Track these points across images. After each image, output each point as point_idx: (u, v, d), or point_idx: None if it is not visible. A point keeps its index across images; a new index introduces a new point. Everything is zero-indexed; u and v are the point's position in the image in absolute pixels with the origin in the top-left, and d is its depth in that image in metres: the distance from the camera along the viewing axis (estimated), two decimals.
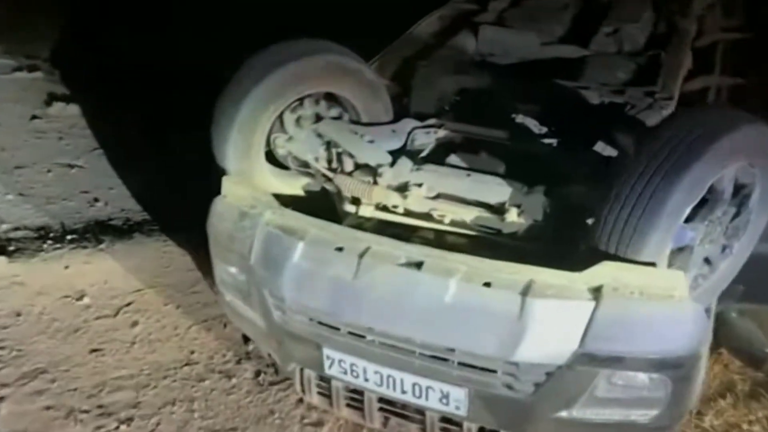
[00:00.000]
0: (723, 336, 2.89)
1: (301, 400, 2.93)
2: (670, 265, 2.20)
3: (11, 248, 3.75)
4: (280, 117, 2.82)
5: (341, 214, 2.76)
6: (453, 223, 2.58)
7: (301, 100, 2.85)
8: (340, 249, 2.34)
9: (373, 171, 2.72)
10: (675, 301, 2.06)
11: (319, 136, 2.88)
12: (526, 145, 2.86)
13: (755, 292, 2.70)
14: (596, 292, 2.09)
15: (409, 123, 3.00)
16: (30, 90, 5.43)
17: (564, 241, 2.46)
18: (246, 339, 3.21)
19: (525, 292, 2.11)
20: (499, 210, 2.53)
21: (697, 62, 3.49)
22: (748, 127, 2.21)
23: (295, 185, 2.94)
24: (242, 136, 2.71)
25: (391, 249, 2.31)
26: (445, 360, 2.23)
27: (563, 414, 2.21)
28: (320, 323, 2.39)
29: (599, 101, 3.07)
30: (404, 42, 3.71)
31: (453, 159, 2.82)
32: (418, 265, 2.24)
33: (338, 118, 3.00)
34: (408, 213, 2.64)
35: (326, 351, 2.42)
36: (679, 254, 2.24)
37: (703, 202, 2.18)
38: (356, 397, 2.54)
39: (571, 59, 3.49)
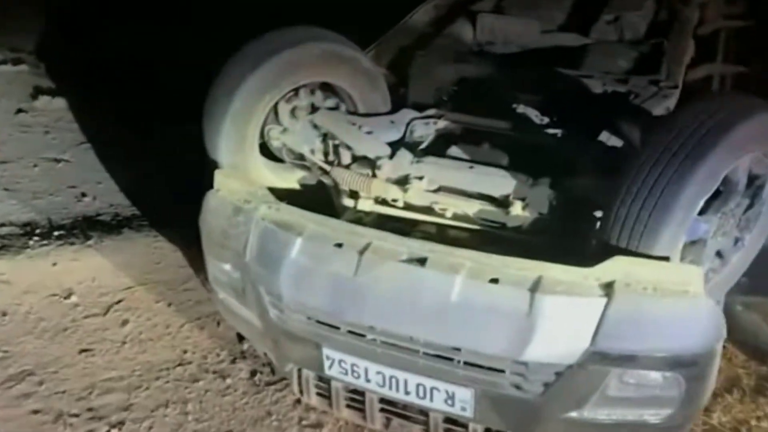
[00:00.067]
0: (728, 329, 2.86)
1: (298, 401, 2.86)
2: (682, 259, 2.15)
3: None
4: (275, 108, 2.76)
5: (339, 208, 2.71)
6: (455, 217, 2.53)
7: (296, 90, 2.80)
8: (339, 245, 2.27)
9: (371, 163, 2.66)
10: (689, 297, 2.00)
11: (315, 127, 2.83)
12: (528, 136, 2.81)
13: (761, 284, 2.65)
14: (608, 288, 2.02)
15: (407, 113, 2.95)
16: (15, 83, 5.36)
17: (571, 234, 2.42)
18: (240, 338, 3.14)
19: (534, 288, 2.05)
20: (503, 203, 2.48)
21: (699, 50, 3.45)
22: (763, 115, 2.15)
23: (290, 179, 2.89)
24: (235, 127, 2.66)
25: (393, 245, 2.24)
26: (450, 360, 2.17)
27: (573, 414, 2.15)
28: (319, 322, 2.32)
29: (602, 90, 3.03)
30: (400, 31, 3.66)
31: (454, 150, 2.77)
32: (422, 261, 2.17)
33: (335, 108, 2.95)
34: (408, 207, 2.59)
35: (326, 351, 2.36)
36: (691, 248, 2.19)
37: (716, 194, 2.13)
38: (357, 398, 2.49)
39: (572, 48, 3.45)
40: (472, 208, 2.50)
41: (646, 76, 3.08)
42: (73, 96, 5.15)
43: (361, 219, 2.60)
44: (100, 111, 4.93)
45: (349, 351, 2.32)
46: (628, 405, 2.14)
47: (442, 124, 2.92)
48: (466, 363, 2.15)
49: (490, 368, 2.13)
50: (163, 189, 4.09)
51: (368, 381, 2.35)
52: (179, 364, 3.07)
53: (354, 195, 2.65)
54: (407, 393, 2.30)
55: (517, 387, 2.14)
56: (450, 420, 2.36)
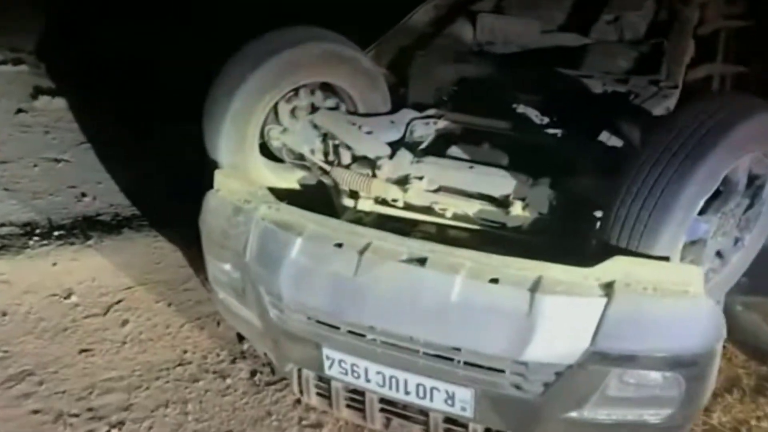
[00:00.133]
0: (728, 329, 2.86)
1: (298, 401, 2.85)
2: (682, 259, 2.14)
3: None
4: (275, 108, 2.75)
5: (339, 208, 2.70)
6: (455, 217, 2.53)
7: (296, 90, 2.79)
8: (339, 245, 2.26)
9: (371, 163, 2.65)
10: (690, 297, 2.00)
11: (315, 127, 2.83)
12: (528, 136, 2.81)
13: (761, 284, 2.64)
14: (608, 288, 2.02)
15: (407, 113, 2.94)
16: (15, 83, 5.34)
17: (570, 234, 2.41)
18: (240, 338, 3.13)
19: (534, 288, 2.04)
20: (503, 203, 2.48)
21: (699, 50, 3.44)
22: (763, 115, 2.14)
23: (290, 179, 2.89)
24: (235, 127, 2.65)
25: (394, 244, 2.23)
26: (450, 360, 2.16)
27: (573, 414, 2.15)
28: (319, 322, 2.32)
29: (602, 90, 3.02)
30: (400, 31, 3.65)
31: (454, 151, 2.76)
32: (422, 261, 2.16)
33: (335, 108, 2.94)
34: (408, 207, 2.58)
35: (326, 351, 2.35)
36: (691, 248, 2.18)
37: (716, 194, 2.12)
38: (357, 398, 2.48)
39: (572, 48, 3.44)
40: (472, 208, 2.50)
41: (646, 76, 3.06)
42: (73, 96, 5.13)
43: (361, 219, 2.59)
44: (100, 111, 4.91)
45: (349, 351, 2.31)
46: (628, 405, 2.13)
47: (442, 124, 2.91)
48: (466, 363, 2.14)
49: (490, 368, 2.13)
50: (163, 189, 4.07)
51: (368, 381, 2.34)
52: (179, 364, 3.06)
53: (354, 195, 2.64)
54: (407, 393, 2.30)
55: (517, 387, 2.13)
56: (450, 420, 2.35)
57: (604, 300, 2.01)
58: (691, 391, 2.10)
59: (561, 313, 2.03)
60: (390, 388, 2.31)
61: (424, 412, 2.37)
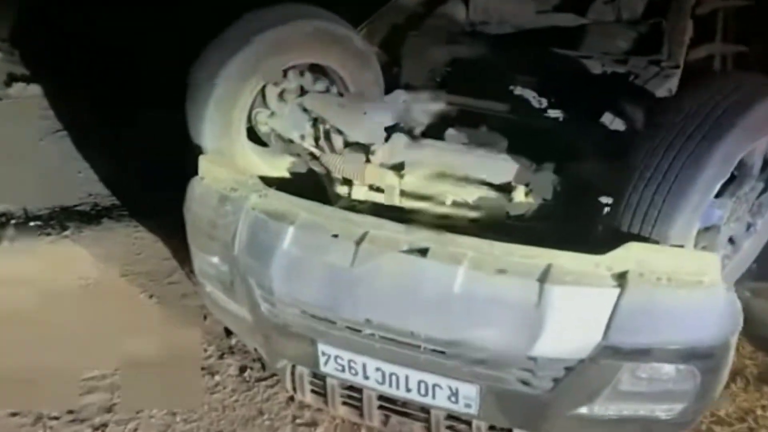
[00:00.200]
0: None
1: (291, 398, 2.75)
2: (695, 246, 2.07)
3: None
4: (262, 90, 2.64)
5: (332, 196, 2.60)
6: (455, 205, 2.43)
7: (284, 72, 2.66)
8: (335, 234, 2.15)
9: (365, 148, 2.56)
10: (706, 287, 1.90)
11: (305, 111, 2.71)
12: (528, 119, 2.73)
13: None
14: (621, 278, 1.92)
15: (401, 95, 2.85)
16: None
17: (576, 221, 2.33)
18: (228, 332, 3.03)
19: (543, 278, 1.94)
20: (505, 189, 2.39)
21: (698, 30, 3.37)
22: None
23: (280, 164, 2.76)
24: (220, 112, 2.54)
25: (392, 234, 2.12)
26: (454, 355, 2.05)
27: (583, 410, 2.06)
28: (314, 317, 2.20)
29: (601, 71, 2.95)
30: (391, 9, 3.54)
31: (451, 134, 2.67)
32: (423, 251, 2.05)
33: (325, 91, 2.82)
34: (405, 194, 2.48)
35: (321, 347, 2.25)
36: (705, 234, 2.11)
37: (731, 178, 2.04)
38: (353, 395, 2.38)
39: (569, 28, 3.38)
40: (472, 194, 2.41)
41: (646, 56, 2.99)
42: (49, 82, 5.08)
43: (355, 208, 2.49)
44: (76, 98, 4.84)
45: (346, 347, 2.21)
46: (641, 400, 2.04)
47: (437, 106, 2.82)
48: (470, 359, 2.03)
49: (496, 364, 2.02)
50: (143, 177, 3.97)
51: (367, 378, 2.24)
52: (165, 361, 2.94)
53: (347, 182, 2.55)
54: (408, 390, 2.20)
55: (525, 383, 2.03)
56: (452, 417, 2.26)
57: (617, 290, 1.91)
58: (705, 383, 2.01)
59: (572, 305, 1.93)
60: (390, 385, 2.21)
61: (425, 409, 2.28)
